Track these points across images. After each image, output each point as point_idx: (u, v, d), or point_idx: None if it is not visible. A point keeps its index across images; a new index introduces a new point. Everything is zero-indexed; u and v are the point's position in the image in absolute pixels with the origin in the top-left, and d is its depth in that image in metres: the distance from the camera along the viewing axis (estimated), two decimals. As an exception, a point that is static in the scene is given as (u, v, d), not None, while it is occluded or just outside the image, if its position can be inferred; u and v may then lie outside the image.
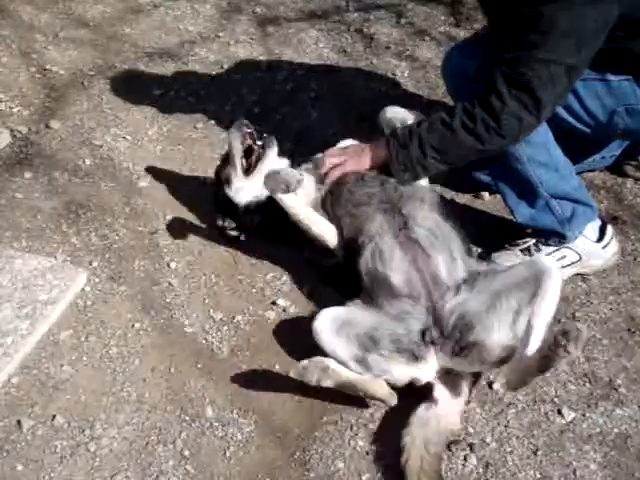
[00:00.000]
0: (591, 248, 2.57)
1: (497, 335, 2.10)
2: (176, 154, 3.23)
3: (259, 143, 2.71)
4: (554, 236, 2.59)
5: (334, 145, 2.68)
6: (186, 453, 2.11)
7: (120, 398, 2.24)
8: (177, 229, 2.84)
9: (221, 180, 2.75)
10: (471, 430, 2.15)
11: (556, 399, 2.22)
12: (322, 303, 2.53)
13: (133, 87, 3.60)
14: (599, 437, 2.11)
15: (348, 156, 2.50)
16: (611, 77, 2.42)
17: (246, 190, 2.69)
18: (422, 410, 2.12)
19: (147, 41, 3.96)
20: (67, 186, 3.00)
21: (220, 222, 2.74)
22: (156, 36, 4.00)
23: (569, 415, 2.17)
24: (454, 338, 2.14)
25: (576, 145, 2.65)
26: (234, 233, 2.74)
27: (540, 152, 2.45)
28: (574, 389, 2.24)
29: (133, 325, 2.47)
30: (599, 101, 2.45)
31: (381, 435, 2.17)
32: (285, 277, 2.67)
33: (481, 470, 2.07)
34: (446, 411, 2.11)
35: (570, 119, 2.51)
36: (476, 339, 2.11)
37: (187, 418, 2.20)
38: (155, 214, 2.91)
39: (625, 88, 2.41)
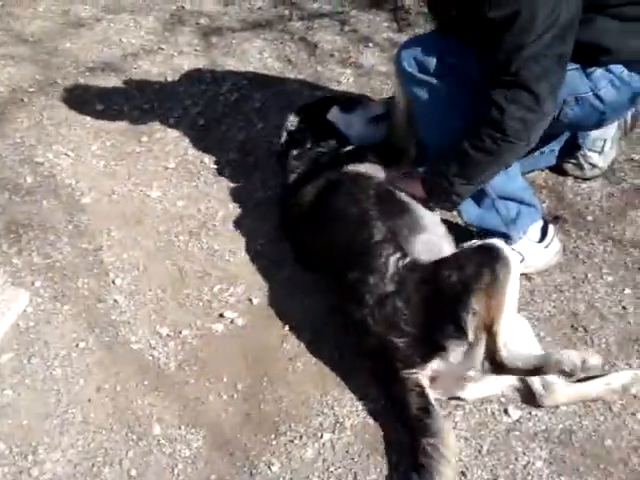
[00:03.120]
0: (533, 248, 2.60)
1: None
2: (120, 169, 3.20)
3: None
4: (499, 237, 2.60)
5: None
6: (133, 473, 2.09)
7: (64, 420, 2.21)
8: (122, 245, 2.82)
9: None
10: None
11: (502, 399, 2.23)
12: (271, 313, 2.55)
13: (75, 102, 3.56)
14: (545, 434, 2.13)
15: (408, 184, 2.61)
16: None
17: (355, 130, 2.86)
18: None
19: (89, 55, 3.91)
20: (8, 205, 2.95)
21: (292, 115, 2.92)
22: (98, 50, 3.96)
23: (515, 414, 2.19)
24: None
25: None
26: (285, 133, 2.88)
27: None
28: (520, 388, 2.25)
29: (77, 344, 2.44)
30: None
31: (331, 444, 2.16)
32: (233, 289, 2.65)
33: (431, 472, 2.07)
34: None
35: None
36: None
37: (134, 437, 2.18)
38: (99, 231, 2.88)
39: (574, 77, 2.42)
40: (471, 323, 2.09)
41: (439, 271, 2.21)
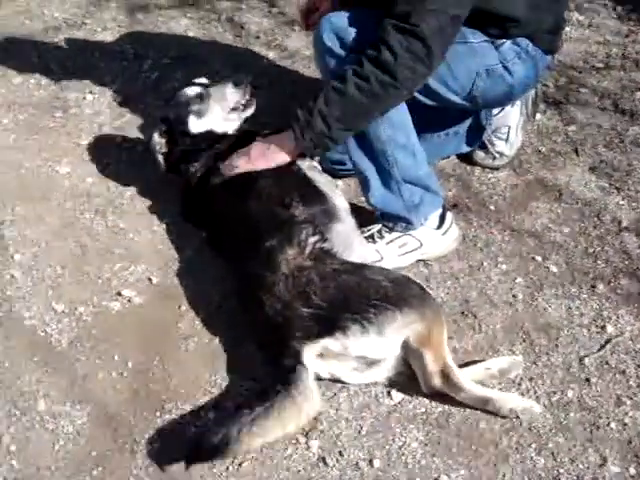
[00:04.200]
0: (431, 235, 2.65)
1: None
2: (31, 143, 3.17)
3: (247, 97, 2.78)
4: (401, 222, 2.64)
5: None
6: (12, 448, 2.08)
7: (-53, 395, 2.19)
8: (25, 220, 2.80)
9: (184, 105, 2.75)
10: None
11: (387, 382, 2.27)
12: (168, 293, 2.56)
13: (-10, 74, 3.52)
14: (423, 416, 2.18)
15: (254, 156, 2.53)
16: (472, 39, 2.49)
17: (215, 123, 2.75)
18: None
19: (9, 27, 3.87)
20: None
21: (156, 137, 2.75)
22: (19, 22, 3.92)
23: (397, 396, 2.23)
24: None
25: (426, 118, 2.69)
26: (161, 156, 2.76)
27: (400, 134, 2.49)
28: (405, 371, 2.30)
29: (-32, 320, 2.42)
30: (463, 63, 2.50)
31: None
32: (133, 267, 2.65)
33: (315, 451, 2.11)
34: None
35: (437, 85, 2.53)
36: None
37: (17, 412, 2.17)
38: (3, 205, 2.86)
39: (485, 49, 2.49)
40: (400, 327, 2.13)
41: (366, 272, 2.26)
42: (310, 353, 2.15)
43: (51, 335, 2.40)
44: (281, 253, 2.30)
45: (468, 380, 2.18)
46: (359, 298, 2.16)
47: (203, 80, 2.86)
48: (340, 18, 2.44)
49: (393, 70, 2.26)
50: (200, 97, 2.73)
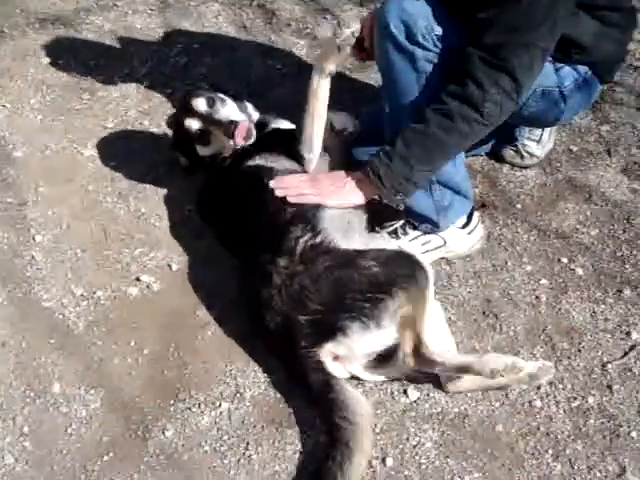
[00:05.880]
0: (456, 234, 2.59)
1: None
2: (57, 125, 3.17)
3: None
4: (426, 223, 2.58)
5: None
6: (25, 429, 2.10)
7: (-37, 374, 2.21)
8: (48, 201, 2.81)
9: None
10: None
11: (404, 379, 2.24)
12: (187, 280, 2.55)
13: (20, 54, 3.53)
14: (439, 416, 2.15)
15: (326, 191, 2.38)
16: None
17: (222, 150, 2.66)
18: None
19: (40, 6, 3.87)
20: None
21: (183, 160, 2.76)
22: (50, 2, 3.92)
23: (413, 395, 2.20)
24: None
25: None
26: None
27: None
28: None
29: (-13, 299, 2.43)
30: None
31: (229, 413, 2.17)
32: (153, 253, 2.64)
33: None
34: None
35: None
36: None
37: (32, 394, 2.19)
38: (27, 185, 2.86)
39: (546, 69, 2.41)
40: (392, 313, 2.11)
41: (357, 260, 2.20)
42: (322, 358, 2.13)
43: (68, 318, 2.40)
44: (273, 266, 2.24)
45: (441, 351, 2.13)
46: (353, 294, 2.12)
47: (201, 107, 2.62)
48: (412, 5, 2.25)
49: (480, 105, 2.15)
50: (201, 133, 2.63)
